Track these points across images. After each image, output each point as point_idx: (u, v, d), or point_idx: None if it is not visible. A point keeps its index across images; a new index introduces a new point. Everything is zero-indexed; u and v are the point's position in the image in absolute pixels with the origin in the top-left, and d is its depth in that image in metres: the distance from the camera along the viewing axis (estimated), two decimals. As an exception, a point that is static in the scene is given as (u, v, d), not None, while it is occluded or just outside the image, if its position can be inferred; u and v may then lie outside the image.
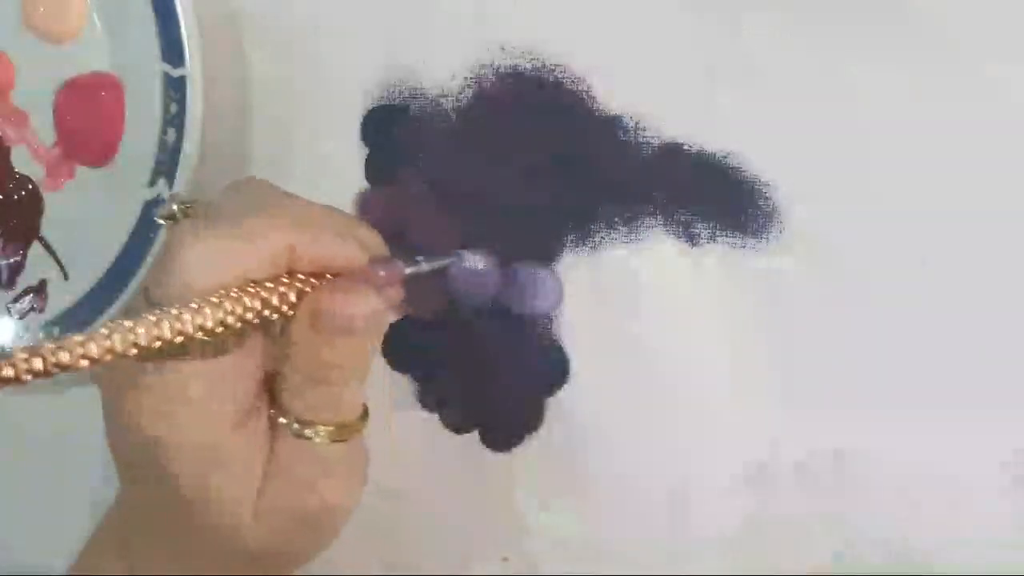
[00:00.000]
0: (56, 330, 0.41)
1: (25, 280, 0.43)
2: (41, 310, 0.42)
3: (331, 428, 0.30)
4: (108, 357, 0.24)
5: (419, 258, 0.34)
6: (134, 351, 0.25)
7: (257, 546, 0.30)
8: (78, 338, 0.24)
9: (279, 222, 0.29)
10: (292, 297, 0.29)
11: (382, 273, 0.31)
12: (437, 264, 0.36)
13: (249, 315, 0.28)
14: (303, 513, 0.30)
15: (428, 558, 0.39)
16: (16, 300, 0.43)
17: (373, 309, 0.29)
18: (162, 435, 0.28)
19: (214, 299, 0.27)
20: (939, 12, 0.32)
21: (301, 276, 0.29)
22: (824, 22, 0.33)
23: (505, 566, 0.38)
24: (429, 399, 0.38)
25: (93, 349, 0.24)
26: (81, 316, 0.41)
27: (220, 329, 0.27)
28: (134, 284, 0.39)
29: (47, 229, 0.42)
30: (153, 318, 0.26)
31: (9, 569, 0.46)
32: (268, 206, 0.30)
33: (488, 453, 0.38)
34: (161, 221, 0.30)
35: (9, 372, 0.23)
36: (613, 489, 0.36)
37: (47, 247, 0.42)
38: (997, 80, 0.31)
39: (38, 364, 0.23)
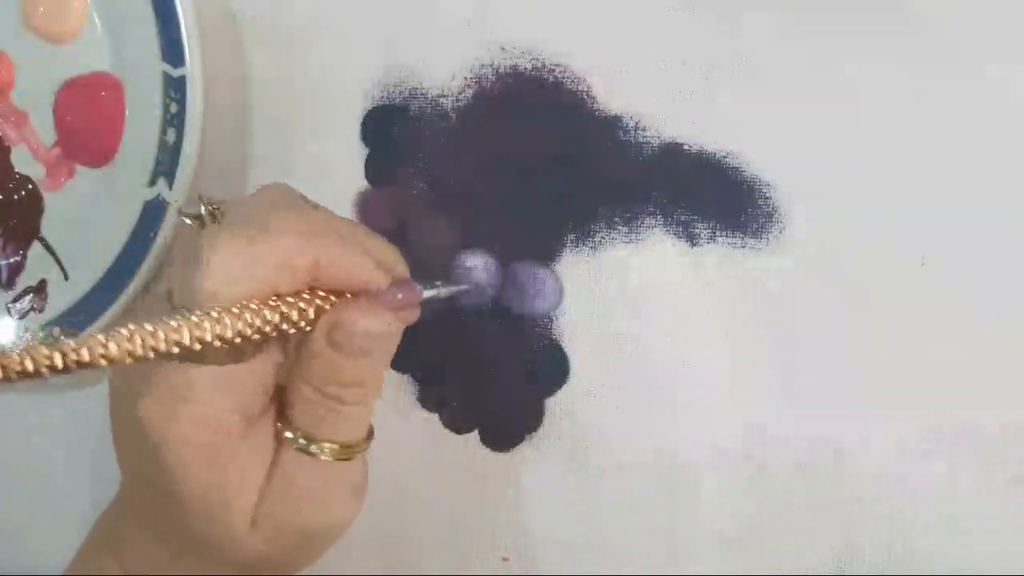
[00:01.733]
0: (56, 330, 0.41)
1: (25, 280, 0.43)
2: (41, 310, 0.42)
3: (336, 446, 0.30)
4: (127, 359, 0.25)
5: (437, 283, 0.34)
6: (153, 354, 0.26)
7: (251, 554, 0.30)
8: (100, 337, 0.25)
9: (306, 238, 0.29)
10: (311, 313, 0.29)
11: (400, 296, 0.31)
12: (455, 290, 0.36)
13: (268, 328, 0.28)
14: (300, 526, 0.30)
15: (428, 558, 0.39)
16: (16, 300, 0.43)
17: (390, 330, 0.30)
18: (167, 432, 0.28)
19: (235, 310, 0.27)
20: (939, 12, 0.32)
21: (321, 293, 0.30)
22: (824, 22, 0.33)
23: (505, 566, 0.38)
24: (429, 399, 0.38)
25: (114, 349, 0.25)
26: (81, 316, 0.41)
27: (238, 339, 0.27)
28: (134, 284, 0.39)
29: (47, 229, 0.42)
30: (175, 324, 0.26)
31: (9, 569, 0.46)
32: (296, 219, 0.30)
33: (488, 453, 0.38)
34: (187, 220, 0.30)
35: (29, 366, 0.23)
36: (613, 489, 0.36)
37: (47, 247, 0.42)
38: (997, 80, 0.31)
39: (58, 360, 0.24)
